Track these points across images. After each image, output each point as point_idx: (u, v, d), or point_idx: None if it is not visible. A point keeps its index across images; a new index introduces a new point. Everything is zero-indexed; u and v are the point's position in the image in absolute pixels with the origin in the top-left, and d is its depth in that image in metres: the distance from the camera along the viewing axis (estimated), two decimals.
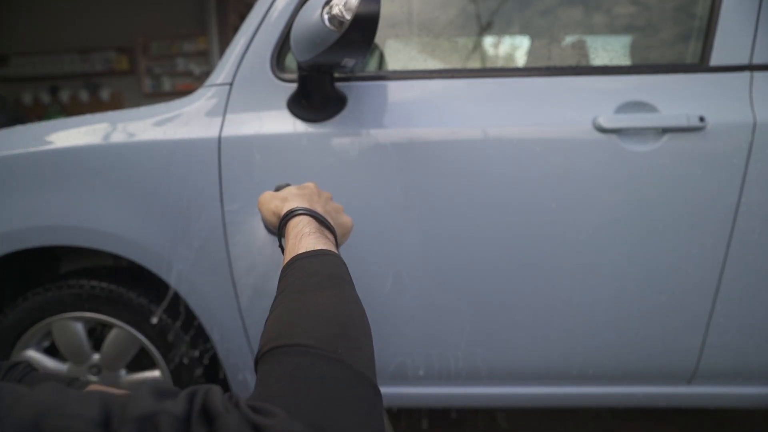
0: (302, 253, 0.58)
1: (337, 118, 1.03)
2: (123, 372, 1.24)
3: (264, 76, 1.07)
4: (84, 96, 5.96)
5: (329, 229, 0.66)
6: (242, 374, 1.18)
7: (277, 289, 0.56)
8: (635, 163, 1.00)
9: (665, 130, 0.99)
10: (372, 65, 1.47)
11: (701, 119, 0.98)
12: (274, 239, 1.06)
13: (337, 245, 0.66)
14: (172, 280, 1.11)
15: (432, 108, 1.04)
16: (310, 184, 0.77)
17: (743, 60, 1.02)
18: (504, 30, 1.30)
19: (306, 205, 0.67)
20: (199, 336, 1.21)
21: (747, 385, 1.14)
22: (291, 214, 0.66)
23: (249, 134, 1.04)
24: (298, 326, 0.46)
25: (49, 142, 1.10)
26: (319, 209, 0.69)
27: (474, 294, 1.08)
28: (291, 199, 0.70)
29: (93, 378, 1.23)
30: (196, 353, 1.20)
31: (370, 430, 0.41)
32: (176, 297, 1.14)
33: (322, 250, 0.59)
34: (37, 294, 1.18)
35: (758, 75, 1.01)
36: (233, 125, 1.05)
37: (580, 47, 1.21)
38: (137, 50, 5.83)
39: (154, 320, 1.16)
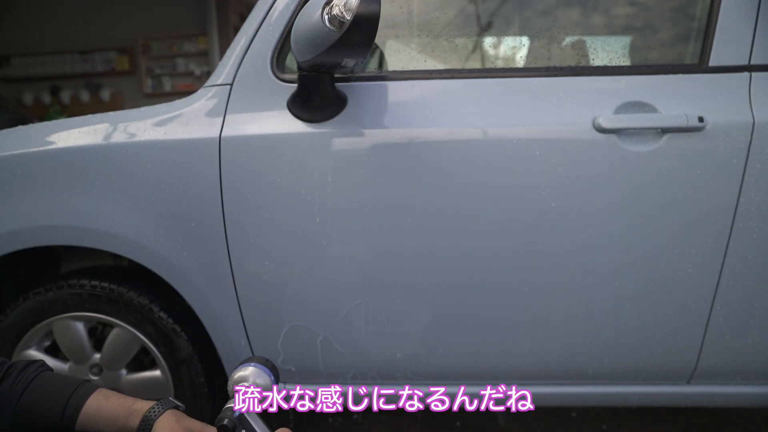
0: None
1: (337, 119, 1.03)
2: (123, 372, 1.24)
3: (264, 76, 1.07)
4: (85, 96, 5.96)
5: None
6: None
7: None
8: (635, 163, 1.00)
9: (665, 131, 0.99)
10: (372, 65, 1.47)
11: (700, 119, 0.98)
12: (272, 236, 1.06)
13: None
14: (173, 279, 1.11)
15: (432, 108, 1.05)
16: None
17: (742, 60, 1.02)
18: (504, 30, 1.31)
19: None
20: (200, 335, 1.21)
21: (746, 385, 1.14)
22: None
23: (249, 134, 1.04)
24: None
25: (50, 143, 1.10)
26: None
27: (474, 293, 1.09)
28: None
29: (94, 378, 1.23)
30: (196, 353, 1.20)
31: None
32: (177, 296, 1.15)
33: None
34: (38, 294, 1.18)
35: (757, 75, 1.01)
36: (233, 125, 1.05)
37: (580, 47, 1.21)
38: (138, 50, 5.84)
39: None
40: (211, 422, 0.71)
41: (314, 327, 1.12)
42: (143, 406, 0.72)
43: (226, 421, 0.68)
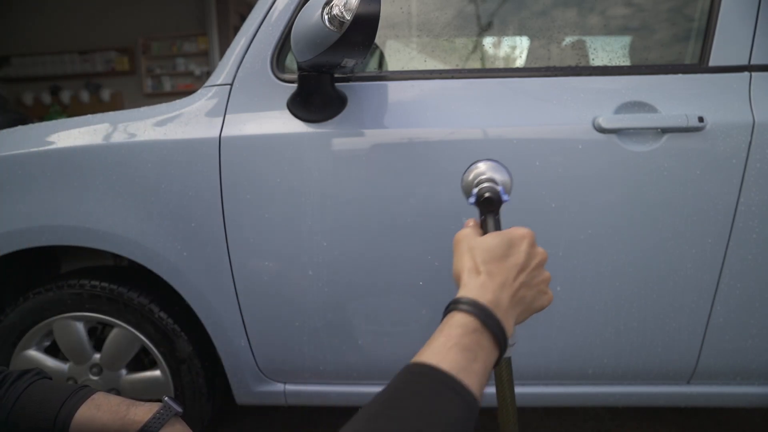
0: (433, 373, 0.47)
1: (337, 119, 1.03)
2: (123, 372, 1.24)
3: (264, 76, 1.07)
4: (85, 96, 5.97)
5: (497, 339, 0.52)
6: (241, 373, 1.18)
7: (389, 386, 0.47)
8: (635, 163, 1.00)
9: (665, 131, 0.99)
10: (372, 65, 1.47)
11: (700, 119, 0.98)
12: (272, 237, 1.06)
13: (500, 355, 0.54)
14: (173, 279, 1.11)
15: (432, 108, 1.05)
16: (522, 247, 0.58)
17: (742, 60, 1.02)
18: (504, 30, 1.31)
19: (489, 295, 0.53)
20: (200, 335, 1.21)
21: (746, 385, 1.14)
22: (456, 306, 0.52)
23: (249, 134, 1.04)
24: None
25: (50, 143, 1.10)
26: (505, 298, 0.55)
27: None
28: (477, 275, 0.56)
29: (94, 378, 1.24)
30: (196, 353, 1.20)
31: None
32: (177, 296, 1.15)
33: (455, 386, 0.47)
34: (38, 294, 1.18)
35: (757, 75, 1.01)
36: (233, 125, 1.05)
37: (580, 47, 1.21)
38: (138, 50, 5.84)
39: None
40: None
41: (314, 327, 1.12)
42: (139, 415, 0.69)
43: (488, 194, 0.63)
